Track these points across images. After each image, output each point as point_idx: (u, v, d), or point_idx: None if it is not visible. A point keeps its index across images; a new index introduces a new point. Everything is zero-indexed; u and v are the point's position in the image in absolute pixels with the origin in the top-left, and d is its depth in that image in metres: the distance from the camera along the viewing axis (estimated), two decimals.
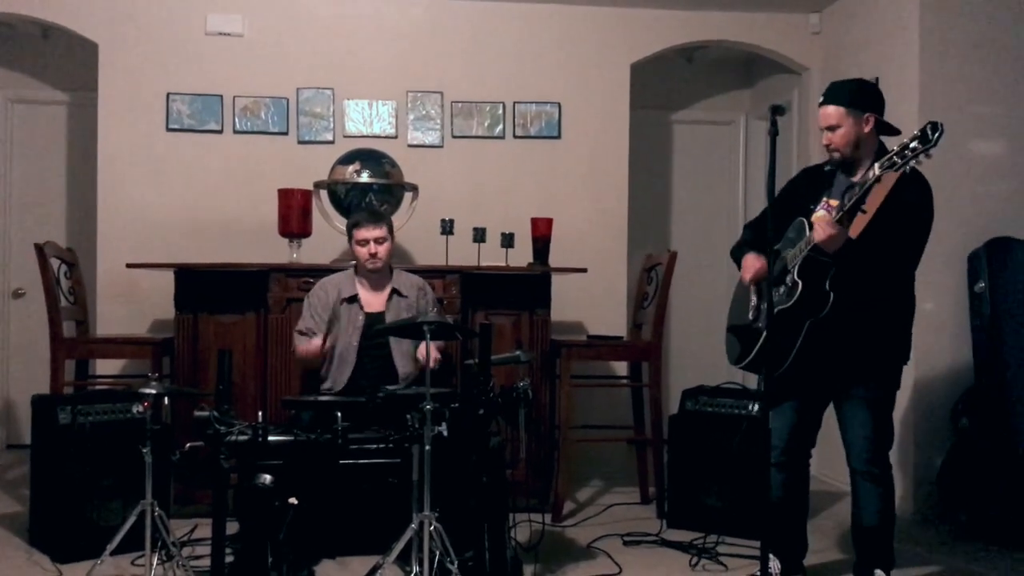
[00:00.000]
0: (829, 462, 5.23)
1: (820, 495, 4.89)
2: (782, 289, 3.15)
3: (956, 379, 4.39)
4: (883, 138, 3.20)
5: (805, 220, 3.13)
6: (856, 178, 3.12)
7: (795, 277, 3.09)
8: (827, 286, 3.04)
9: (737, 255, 3.46)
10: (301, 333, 3.89)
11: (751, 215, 6.37)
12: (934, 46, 4.48)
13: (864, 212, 3.00)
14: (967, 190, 4.48)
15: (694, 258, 6.11)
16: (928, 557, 3.85)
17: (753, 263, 3.33)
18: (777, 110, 2.89)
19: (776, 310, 3.09)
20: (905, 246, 3.07)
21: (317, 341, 3.74)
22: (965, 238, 4.44)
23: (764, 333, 3.13)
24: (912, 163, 2.80)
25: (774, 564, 3.37)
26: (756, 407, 4.11)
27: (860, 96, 3.13)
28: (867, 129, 3.11)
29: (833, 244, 2.98)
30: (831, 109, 3.12)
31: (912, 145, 2.79)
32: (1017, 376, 4.20)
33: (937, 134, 2.76)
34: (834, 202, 3.12)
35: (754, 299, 3.36)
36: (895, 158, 2.83)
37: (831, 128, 3.12)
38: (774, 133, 2.87)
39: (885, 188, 3.01)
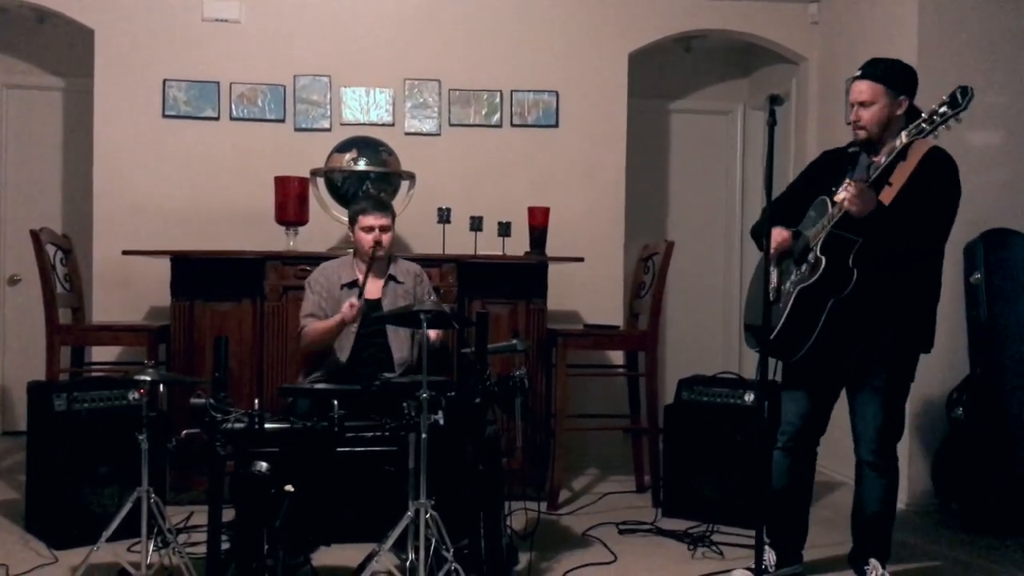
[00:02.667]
0: (827, 452, 5.25)
1: (817, 485, 4.90)
2: (804, 267, 3.08)
3: (951, 369, 4.40)
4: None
5: (827, 199, 3.06)
6: (879, 159, 3.05)
7: (817, 254, 3.01)
8: (851, 262, 2.97)
9: (759, 232, 3.34)
10: (311, 315, 3.84)
11: (748, 205, 6.41)
12: (932, 36, 4.48)
13: (890, 185, 2.95)
14: (964, 181, 4.42)
15: (691, 248, 6.11)
16: (920, 546, 3.87)
17: (779, 234, 3.20)
18: (775, 100, 2.87)
19: (798, 288, 3.04)
20: (932, 219, 3.01)
21: (317, 324, 3.75)
22: (961, 229, 4.37)
23: (784, 315, 3.06)
24: (941, 128, 2.77)
25: (769, 555, 3.34)
26: (752, 396, 4.12)
27: (899, 77, 3.05)
28: (899, 112, 3.03)
29: (863, 207, 2.89)
30: (865, 85, 3.03)
31: (941, 110, 2.75)
32: (1012, 367, 4.21)
33: (967, 98, 2.72)
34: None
35: (775, 280, 3.26)
36: (923, 124, 2.79)
37: (863, 104, 3.03)
38: (772, 123, 2.84)
39: (911, 164, 2.97)
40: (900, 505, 4.39)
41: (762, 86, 6.20)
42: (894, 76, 3.04)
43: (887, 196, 2.97)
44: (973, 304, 4.35)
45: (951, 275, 4.46)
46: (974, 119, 4.46)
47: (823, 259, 3.00)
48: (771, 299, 3.26)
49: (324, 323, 3.77)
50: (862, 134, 3.07)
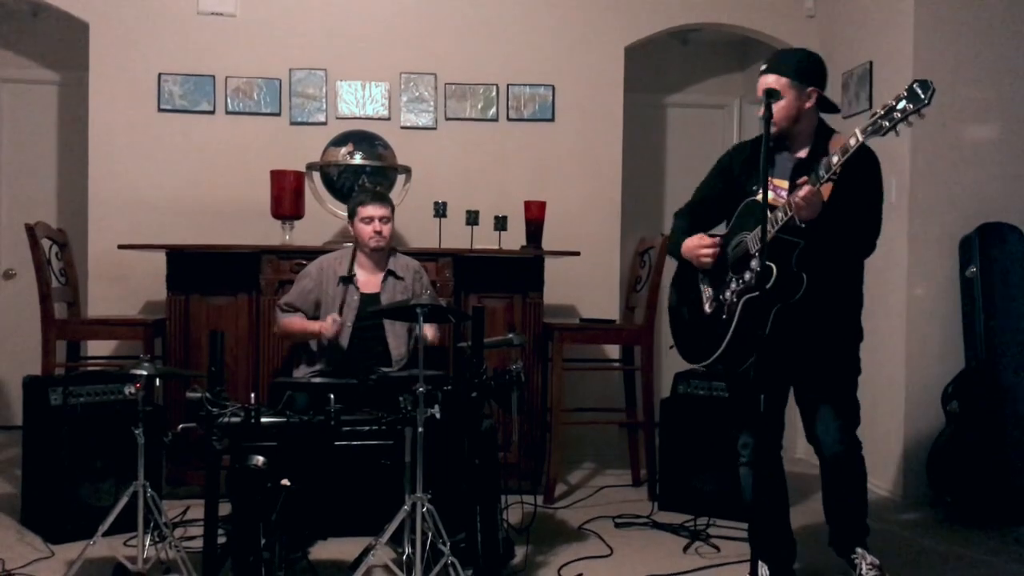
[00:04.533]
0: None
1: (809, 478, 4.92)
2: (747, 275, 2.96)
3: (947, 363, 4.40)
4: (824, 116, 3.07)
5: (756, 201, 2.89)
6: (802, 155, 2.99)
7: (765, 262, 2.84)
8: (795, 266, 2.87)
9: (675, 250, 3.21)
10: (282, 309, 3.90)
11: None
12: (928, 29, 4.48)
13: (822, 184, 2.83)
14: (959, 175, 4.48)
15: None
16: (914, 539, 3.87)
17: (700, 245, 3.09)
18: (771, 94, 2.84)
19: (744, 299, 2.93)
20: (871, 212, 2.95)
21: (296, 320, 3.81)
22: (957, 223, 4.44)
23: (732, 328, 2.96)
24: (902, 125, 2.62)
25: (762, 569, 3.17)
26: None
27: (806, 69, 2.96)
28: (808, 104, 2.96)
29: (812, 213, 2.78)
30: (772, 78, 2.94)
31: (899, 105, 2.60)
32: (1007, 360, 4.22)
33: (929, 92, 2.57)
34: (779, 182, 2.96)
35: (708, 291, 3.13)
36: (881, 121, 2.63)
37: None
38: (768, 117, 2.77)
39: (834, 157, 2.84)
40: (896, 498, 4.43)
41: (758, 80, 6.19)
42: (800, 68, 2.96)
43: (824, 192, 2.84)
44: (968, 298, 4.36)
45: (946, 269, 4.47)
46: (969, 112, 4.50)
47: (773, 267, 2.85)
48: (709, 310, 3.13)
49: (302, 324, 3.85)
50: (773, 129, 2.92)
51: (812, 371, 3.08)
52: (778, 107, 2.91)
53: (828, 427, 3.09)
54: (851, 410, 3.12)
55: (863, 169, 2.91)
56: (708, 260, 3.10)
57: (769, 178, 2.94)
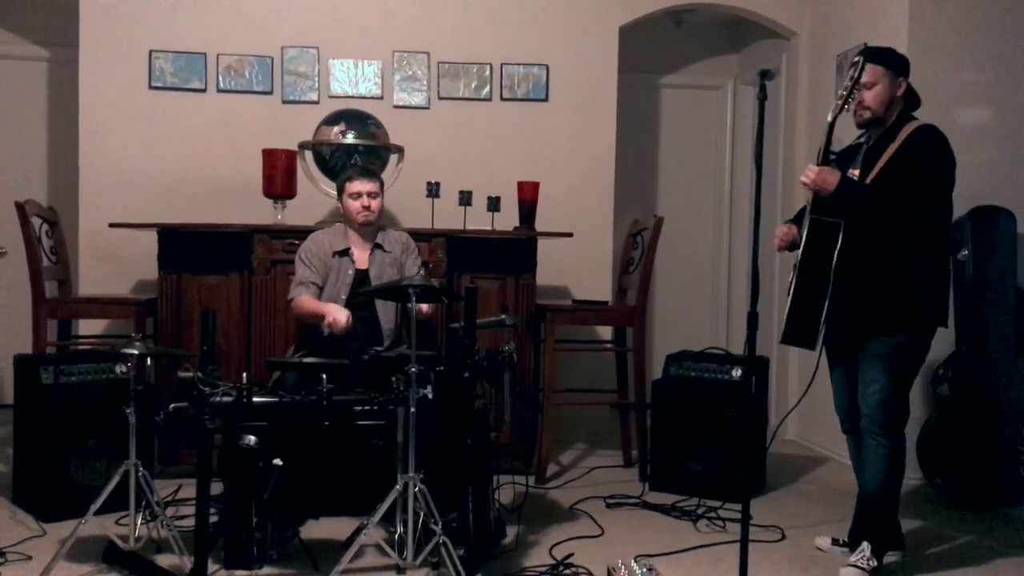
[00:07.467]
0: (809, 427, 5.29)
1: (803, 460, 4.95)
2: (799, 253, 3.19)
3: (937, 346, 4.35)
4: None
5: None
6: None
7: (806, 230, 3.14)
8: (839, 240, 3.07)
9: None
10: (302, 284, 3.78)
11: (738, 180, 6.44)
12: (923, 13, 4.46)
13: (876, 165, 3.10)
14: None
15: (680, 223, 6.12)
16: (903, 521, 3.89)
17: (780, 229, 3.39)
18: (766, 75, 2.86)
19: (797, 260, 3.16)
20: (915, 193, 3.06)
21: (311, 299, 3.73)
22: None
23: (789, 303, 3.16)
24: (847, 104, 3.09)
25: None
26: (739, 372, 4.14)
27: (898, 61, 3.25)
28: (899, 92, 3.21)
29: (822, 184, 3.06)
30: (871, 67, 3.18)
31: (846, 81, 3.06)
32: (997, 343, 4.24)
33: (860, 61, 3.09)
34: (855, 172, 3.19)
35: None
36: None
37: (865, 86, 3.18)
38: (763, 98, 2.84)
39: (897, 143, 3.12)
40: None
41: (753, 61, 6.18)
42: (894, 60, 3.24)
43: (871, 176, 3.09)
44: (960, 281, 4.36)
45: None
46: (962, 96, 4.50)
47: (807, 222, 3.13)
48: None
49: (316, 306, 3.72)
50: (867, 114, 3.20)
51: (869, 334, 3.19)
52: (873, 93, 3.19)
53: (864, 396, 3.22)
54: (895, 392, 3.19)
55: (919, 149, 3.11)
56: (776, 243, 3.39)
57: (851, 171, 3.24)
